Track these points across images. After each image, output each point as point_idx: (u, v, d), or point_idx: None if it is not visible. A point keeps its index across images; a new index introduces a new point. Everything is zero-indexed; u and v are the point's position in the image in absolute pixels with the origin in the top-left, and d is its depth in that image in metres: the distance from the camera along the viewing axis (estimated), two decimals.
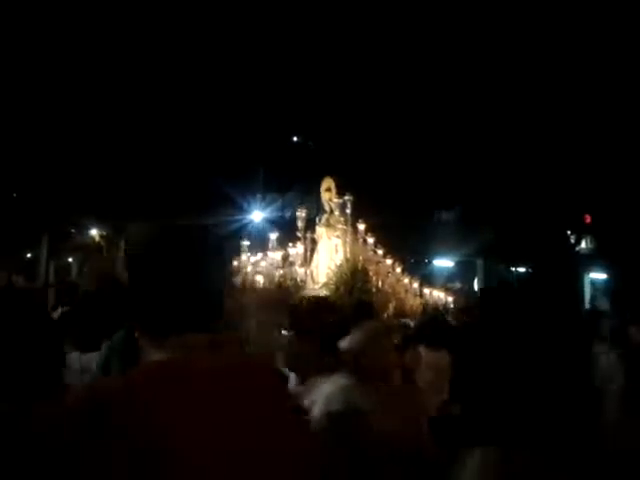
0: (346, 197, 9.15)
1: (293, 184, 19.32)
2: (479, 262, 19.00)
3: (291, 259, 8.69)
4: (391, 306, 8.34)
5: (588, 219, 19.38)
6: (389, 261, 9.43)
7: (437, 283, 19.83)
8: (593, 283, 19.26)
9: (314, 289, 8.16)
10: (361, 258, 8.61)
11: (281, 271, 8.37)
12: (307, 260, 8.70)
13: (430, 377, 4.27)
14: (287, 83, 18.07)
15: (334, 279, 8.17)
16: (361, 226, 9.08)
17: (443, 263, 19.92)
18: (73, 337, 3.97)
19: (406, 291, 9.49)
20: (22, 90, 14.90)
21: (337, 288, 8.03)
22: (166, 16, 15.44)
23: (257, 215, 19.30)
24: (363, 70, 17.89)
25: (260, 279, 8.18)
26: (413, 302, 9.15)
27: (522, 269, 18.90)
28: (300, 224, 8.92)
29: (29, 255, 19.42)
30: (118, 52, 15.41)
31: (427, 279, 19.74)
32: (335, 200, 9.14)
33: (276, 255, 8.97)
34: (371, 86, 18.10)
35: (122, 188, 16.62)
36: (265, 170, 19.36)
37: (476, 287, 19.17)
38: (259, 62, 17.35)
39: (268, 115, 18.34)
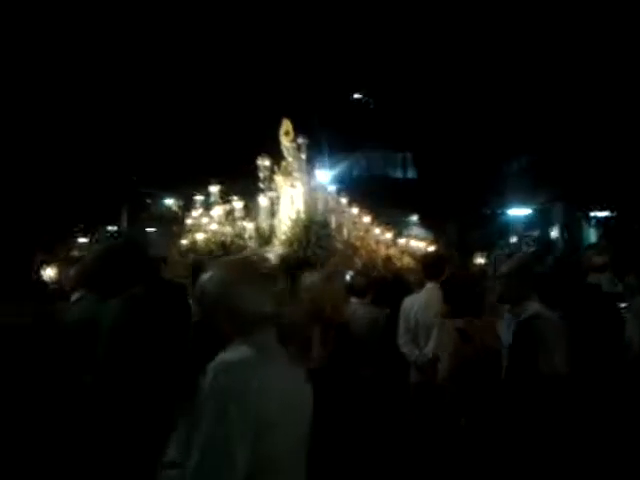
0: (300, 140, 8.02)
1: (358, 143, 19.06)
2: (557, 209, 17.94)
3: (237, 214, 7.75)
4: (358, 260, 7.46)
5: None
6: (355, 210, 8.45)
7: (513, 233, 19.04)
8: None
9: (273, 247, 7.45)
10: (320, 208, 7.67)
11: (228, 228, 7.57)
12: (272, 214, 7.91)
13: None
14: (345, 39, 17.71)
15: (289, 234, 7.39)
16: (319, 172, 8.28)
17: (519, 212, 18.98)
18: None
19: (377, 242, 8.49)
20: (99, 74, 15.60)
21: (291, 244, 7.27)
22: None
23: (324, 176, 19.25)
24: (425, 21, 17.22)
25: (201, 237, 7.47)
26: (387, 254, 8.25)
27: (603, 214, 17.65)
28: (262, 174, 7.96)
29: (111, 228, 20.56)
30: (173, 24, 15.72)
31: (503, 230, 19.04)
32: (288, 144, 8.01)
33: (216, 211, 7.88)
34: (435, 37, 17.39)
35: (192, 157, 17.02)
36: (330, 129, 19.05)
37: (555, 235, 18.19)
38: (320, 20, 17.10)
39: (329, 71, 18.04)
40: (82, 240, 19.22)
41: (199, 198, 8.44)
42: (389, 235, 9.08)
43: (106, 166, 17.64)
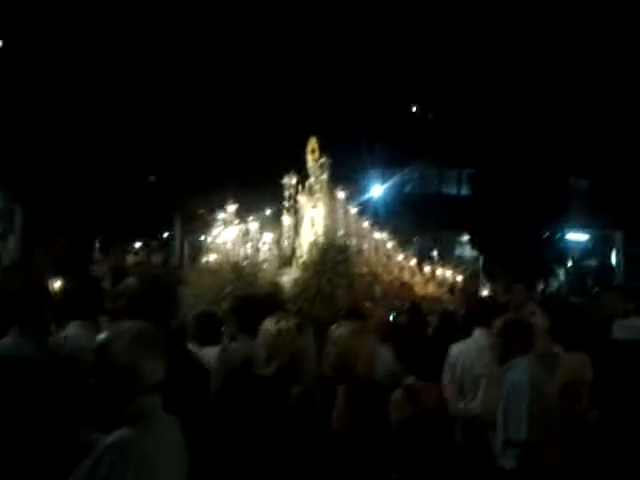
0: (322, 159, 7.68)
1: (412, 157, 18.70)
2: (618, 235, 16.93)
3: (252, 236, 7.36)
4: (377, 289, 7.03)
5: None
6: (378, 235, 8.05)
7: (570, 259, 18.18)
8: None
9: (289, 271, 7.09)
10: (341, 232, 7.25)
11: (241, 249, 7.20)
12: (295, 234, 7.54)
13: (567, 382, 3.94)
14: (406, 49, 17.40)
15: (305, 258, 6.98)
16: (341, 194, 7.59)
17: (577, 237, 18.02)
18: None
19: (401, 269, 7.99)
20: (152, 82, 16.13)
21: (306, 269, 6.85)
22: None
23: (377, 190, 18.98)
24: (485, 36, 16.76)
25: (212, 258, 7.21)
26: (412, 282, 7.80)
27: None
28: (286, 192, 7.57)
29: (166, 235, 21.17)
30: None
31: (559, 255, 18.15)
32: (311, 163, 7.66)
33: (231, 231, 7.44)
34: (493, 49, 16.89)
35: (242, 171, 17.19)
36: (384, 143, 18.69)
37: (614, 263, 17.20)
38: (380, 28, 16.89)
39: (385, 83, 17.71)
40: (138, 244, 20.06)
41: (221, 216, 8.31)
42: (413, 262, 8.69)
43: (160, 176, 18.22)
